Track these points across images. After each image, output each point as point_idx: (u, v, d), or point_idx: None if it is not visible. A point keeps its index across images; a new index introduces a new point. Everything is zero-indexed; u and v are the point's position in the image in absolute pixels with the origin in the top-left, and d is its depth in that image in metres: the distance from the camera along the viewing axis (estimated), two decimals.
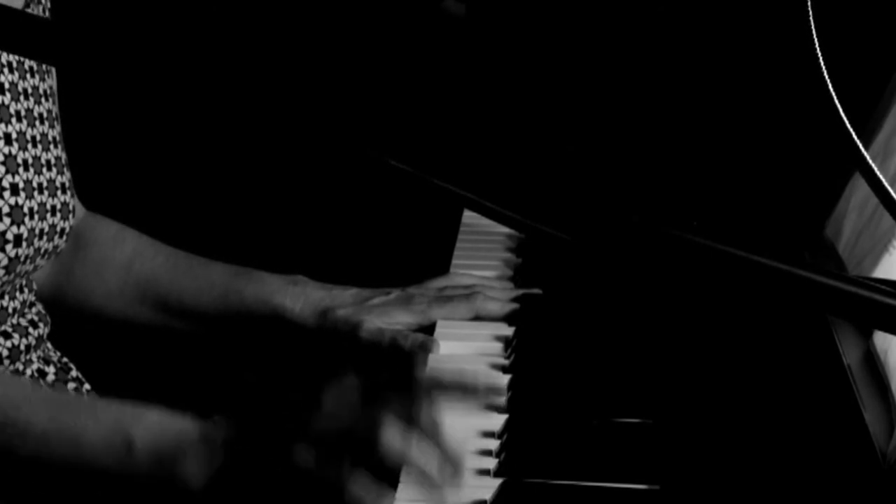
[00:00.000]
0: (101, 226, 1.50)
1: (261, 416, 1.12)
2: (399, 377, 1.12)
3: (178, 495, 1.11)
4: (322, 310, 1.41)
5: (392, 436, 1.04)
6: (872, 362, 1.16)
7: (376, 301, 1.40)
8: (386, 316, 1.39)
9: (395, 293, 1.41)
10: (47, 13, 1.38)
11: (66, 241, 1.35)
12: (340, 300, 1.41)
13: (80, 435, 1.14)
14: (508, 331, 1.39)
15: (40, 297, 1.43)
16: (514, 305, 1.42)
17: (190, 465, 1.10)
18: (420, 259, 1.53)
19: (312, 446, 1.06)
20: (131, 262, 1.48)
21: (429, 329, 1.39)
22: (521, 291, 1.46)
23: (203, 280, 1.46)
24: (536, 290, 1.46)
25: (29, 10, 1.34)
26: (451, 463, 1.06)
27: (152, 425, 1.14)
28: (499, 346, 1.36)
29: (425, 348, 1.34)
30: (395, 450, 1.05)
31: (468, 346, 1.36)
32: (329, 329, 1.40)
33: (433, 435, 1.06)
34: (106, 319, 1.50)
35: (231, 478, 1.10)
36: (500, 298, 1.43)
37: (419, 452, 1.05)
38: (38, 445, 1.15)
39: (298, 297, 1.42)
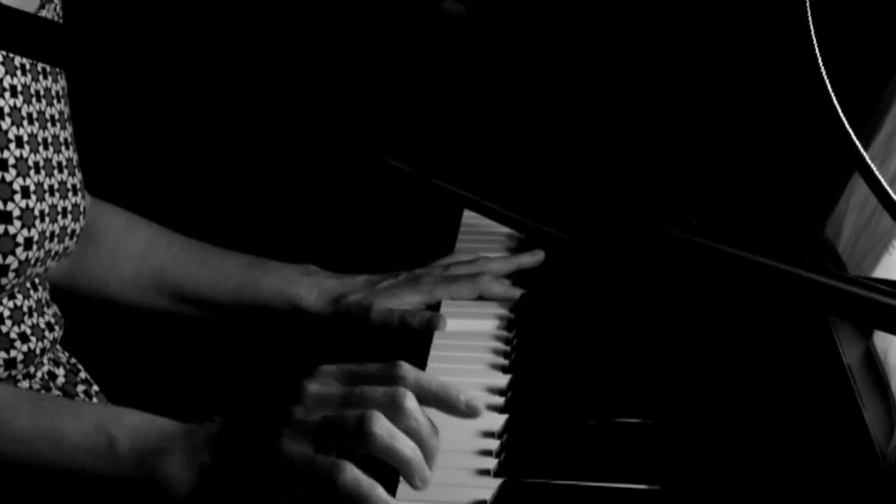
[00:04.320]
0: (110, 215, 1.52)
1: (244, 412, 1.10)
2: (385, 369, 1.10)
3: (163, 499, 1.08)
4: (335, 297, 1.47)
5: (379, 426, 1.03)
6: (872, 362, 1.16)
7: (385, 284, 1.47)
8: (395, 297, 1.45)
9: (402, 275, 1.48)
10: (60, 16, 1.38)
11: (77, 241, 1.35)
12: (352, 286, 1.48)
13: (63, 435, 1.12)
14: (509, 331, 1.39)
15: (53, 286, 1.44)
16: (518, 290, 1.46)
17: (172, 466, 1.08)
18: (421, 260, 1.53)
19: (299, 439, 1.04)
20: (145, 253, 1.51)
21: (433, 307, 1.45)
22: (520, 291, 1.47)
23: (218, 270, 1.50)
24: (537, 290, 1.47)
25: (43, 13, 1.34)
26: (429, 453, 1.05)
27: (134, 423, 1.12)
28: (499, 344, 1.36)
29: (433, 325, 1.40)
30: (382, 442, 1.03)
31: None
32: (342, 314, 1.46)
33: (418, 425, 1.05)
34: (120, 306, 1.52)
35: (218, 480, 1.06)
36: (504, 277, 1.49)
37: (404, 445, 1.03)
38: (20, 446, 1.13)
39: (313, 286, 1.48)
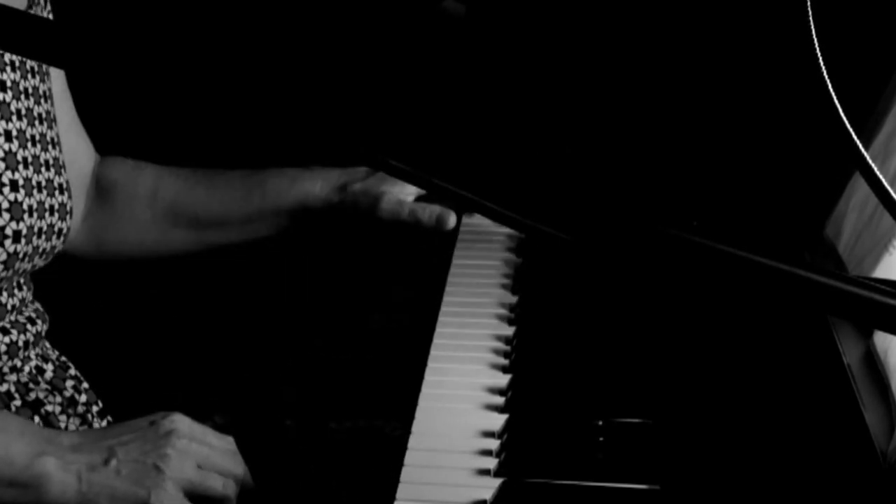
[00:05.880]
0: (116, 164, 1.55)
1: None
2: None
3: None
4: (341, 185, 1.46)
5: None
6: (872, 362, 1.16)
7: None
8: (400, 183, 1.44)
9: None
10: (49, 14, 1.38)
11: (64, 241, 1.36)
12: (356, 175, 1.46)
13: None
14: (509, 330, 1.39)
15: (82, 261, 1.48)
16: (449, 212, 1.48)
17: (49, 465, 1.14)
18: (421, 259, 1.53)
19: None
20: (155, 191, 1.53)
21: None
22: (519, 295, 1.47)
23: (225, 187, 1.52)
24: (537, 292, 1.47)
25: (32, 12, 1.34)
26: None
27: (18, 428, 1.17)
28: (499, 344, 1.36)
29: (443, 221, 1.41)
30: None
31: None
32: (349, 205, 1.45)
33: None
34: (147, 253, 1.54)
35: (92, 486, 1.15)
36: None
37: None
38: None
39: (316, 178, 1.47)
